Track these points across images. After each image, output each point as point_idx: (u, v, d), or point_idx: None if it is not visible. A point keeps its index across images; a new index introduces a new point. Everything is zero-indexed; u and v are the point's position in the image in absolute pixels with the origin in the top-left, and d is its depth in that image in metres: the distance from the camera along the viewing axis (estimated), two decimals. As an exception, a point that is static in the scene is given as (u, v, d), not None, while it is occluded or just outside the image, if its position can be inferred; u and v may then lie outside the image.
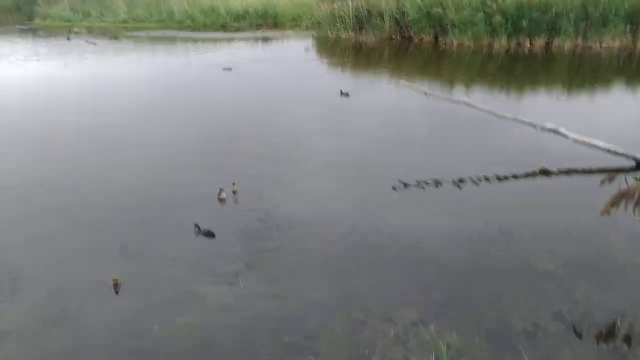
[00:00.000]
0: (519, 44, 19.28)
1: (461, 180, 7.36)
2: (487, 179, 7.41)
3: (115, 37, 24.38)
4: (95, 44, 22.08)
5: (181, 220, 6.22)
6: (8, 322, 4.57)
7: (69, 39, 24.24)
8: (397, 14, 21.67)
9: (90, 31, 27.81)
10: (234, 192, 6.90)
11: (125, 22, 31.09)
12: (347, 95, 12.22)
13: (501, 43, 19.31)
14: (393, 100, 12.52)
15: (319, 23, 24.96)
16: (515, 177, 7.52)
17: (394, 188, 7.15)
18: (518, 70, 16.55)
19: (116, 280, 5.00)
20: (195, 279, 5.14)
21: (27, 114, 11.35)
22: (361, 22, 22.81)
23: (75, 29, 27.47)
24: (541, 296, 4.84)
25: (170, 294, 4.92)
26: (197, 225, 5.93)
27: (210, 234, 5.87)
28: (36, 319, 4.61)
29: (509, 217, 6.43)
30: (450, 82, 14.31)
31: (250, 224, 6.16)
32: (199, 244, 5.78)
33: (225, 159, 8.30)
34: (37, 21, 33.50)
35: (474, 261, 5.47)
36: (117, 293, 4.92)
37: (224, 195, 6.78)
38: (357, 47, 21.54)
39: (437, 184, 7.30)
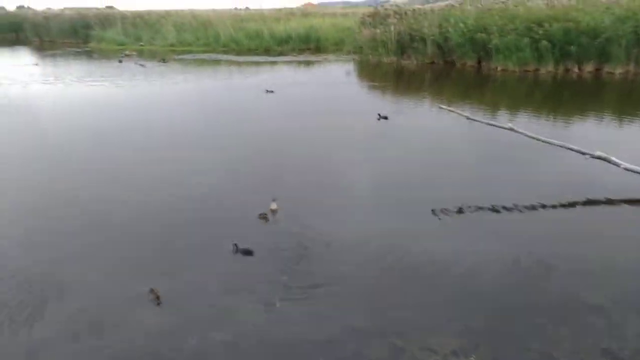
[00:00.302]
0: (567, 70, 18.84)
1: (504, 207, 7.14)
2: (542, 206, 7.16)
3: (164, 60, 25.31)
4: (144, 66, 22.95)
5: (220, 237, 6.25)
6: (45, 332, 4.65)
7: (120, 61, 25.31)
8: (439, 38, 21.65)
9: (141, 54, 28.99)
10: (273, 211, 6.91)
11: (173, 45, 32.33)
12: (385, 118, 12.19)
13: (547, 68, 18.93)
14: (433, 124, 12.38)
15: (361, 47, 25.22)
16: (562, 205, 7.25)
17: (433, 213, 7.01)
18: (565, 96, 16.14)
19: (156, 291, 5.08)
20: (232, 297, 5.12)
21: (75, 132, 11.81)
22: (403, 46, 22.92)
23: (127, 52, 28.70)
24: (588, 331, 4.57)
25: (207, 310, 4.92)
26: (235, 244, 5.95)
27: (248, 252, 5.87)
28: (74, 329, 4.68)
29: (554, 246, 6.16)
30: (494, 107, 14.06)
31: (288, 244, 6.13)
32: (237, 262, 5.78)
33: (264, 179, 8.35)
34: (92, 44, 35.24)
35: (515, 291, 5.25)
36: (158, 303, 4.99)
37: (267, 214, 6.81)
38: (399, 71, 21.58)
39: (478, 209, 7.11)
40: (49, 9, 50.06)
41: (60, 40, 39.07)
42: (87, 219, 6.90)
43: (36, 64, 24.81)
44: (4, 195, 7.79)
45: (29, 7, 59.83)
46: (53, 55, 29.63)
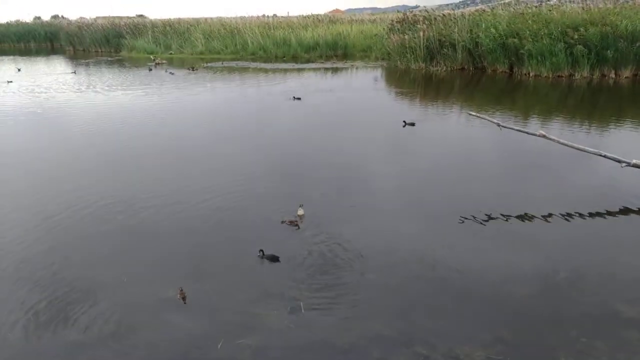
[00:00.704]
0: (603, 75, 18.27)
1: (536, 216, 6.87)
2: (575, 215, 6.87)
3: (193, 68, 25.61)
4: (173, 74, 23.26)
5: (245, 243, 6.19)
6: (76, 334, 4.65)
7: (150, 69, 25.74)
8: (469, 44, 21.29)
9: (170, 62, 29.43)
10: (300, 217, 6.83)
11: (202, 53, 32.77)
12: (412, 124, 11.99)
13: (583, 74, 18.38)
14: (462, 131, 12.13)
15: (389, 54, 25.03)
16: (597, 214, 6.93)
17: (461, 220, 6.78)
18: (601, 102, 15.63)
19: (182, 292, 5.12)
20: (258, 302, 5.04)
21: (106, 138, 11.96)
22: (432, 52, 22.63)
23: (157, 60, 29.15)
24: (625, 345, 4.34)
25: (233, 315, 4.86)
26: (261, 250, 5.87)
27: (274, 258, 5.79)
28: (102, 331, 4.67)
29: (588, 257, 5.90)
30: (526, 114, 13.70)
31: (314, 250, 6.03)
32: (264, 268, 5.71)
33: (290, 185, 8.28)
34: (123, 53, 36.03)
35: (547, 301, 5.02)
36: (184, 302, 5.04)
37: (297, 221, 6.74)
38: (427, 77, 21.32)
39: (508, 218, 6.85)
40: (82, 18, 51.35)
41: (93, 49, 40.06)
42: (115, 223, 6.93)
43: (74, 72, 25.46)
44: (35, 200, 7.88)
45: (63, 17, 61.71)
46: (86, 64, 30.36)
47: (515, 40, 19.39)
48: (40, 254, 6.09)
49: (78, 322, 4.80)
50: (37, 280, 5.49)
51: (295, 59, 29.64)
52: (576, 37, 17.87)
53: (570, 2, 21.63)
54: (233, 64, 27.91)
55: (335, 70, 24.89)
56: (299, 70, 25.01)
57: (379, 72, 23.60)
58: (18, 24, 52.11)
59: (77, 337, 4.58)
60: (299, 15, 40.11)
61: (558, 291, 5.18)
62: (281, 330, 4.61)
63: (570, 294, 5.11)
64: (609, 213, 6.95)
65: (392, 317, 4.79)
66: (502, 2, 25.20)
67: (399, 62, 23.95)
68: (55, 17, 62.69)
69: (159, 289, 5.29)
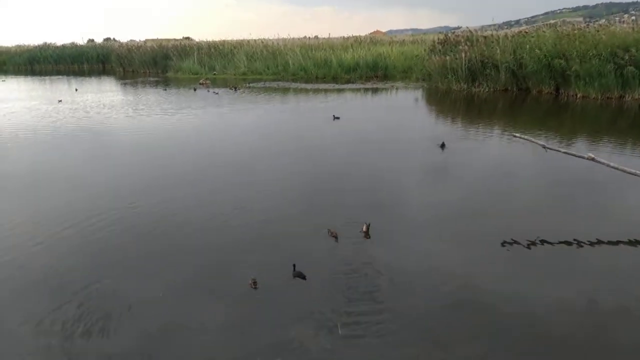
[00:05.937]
0: (656, 97, 17.58)
1: (584, 242, 6.55)
2: (625, 242, 6.52)
3: (235, 88, 26.17)
4: (217, 94, 23.81)
5: (281, 261, 6.11)
6: (114, 348, 4.68)
7: (194, 89, 26.45)
8: (513, 65, 20.92)
9: (214, 82, 30.16)
10: (367, 229, 6.90)
11: (244, 74, 33.49)
12: (443, 146, 11.83)
13: (634, 96, 17.73)
14: (505, 153, 11.83)
15: (430, 75, 24.85)
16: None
17: (503, 245, 6.54)
18: (654, 124, 14.98)
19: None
20: (295, 323, 4.96)
21: (148, 154, 12.28)
22: (474, 73, 22.34)
23: (201, 81, 29.95)
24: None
25: (269, 336, 4.78)
26: (294, 265, 5.84)
27: (301, 276, 5.73)
28: (130, 347, 4.68)
29: (638, 287, 5.55)
30: (573, 137, 13.25)
31: (351, 272, 5.92)
32: (299, 287, 5.62)
33: (327, 203, 8.22)
34: (170, 74, 37.24)
35: (594, 335, 4.74)
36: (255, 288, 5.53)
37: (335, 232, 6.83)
38: (469, 98, 21.01)
39: (554, 244, 6.55)
40: (132, 41, 53.71)
41: (142, 70, 41.69)
42: (150, 238, 7.04)
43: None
44: (75, 216, 8.08)
45: (114, 39, 64.63)
46: (134, 84, 31.48)
47: (562, 61, 18.93)
48: (73, 265, 6.22)
49: (118, 336, 4.82)
50: (71, 291, 5.56)
51: (335, 79, 29.86)
52: (627, 57, 17.28)
53: (620, 22, 21.00)
54: (274, 84, 28.37)
55: (375, 90, 24.90)
56: (339, 90, 25.14)
57: (419, 93, 23.45)
58: (72, 46, 54.74)
59: (108, 351, 4.60)
60: (340, 37, 40.55)
61: (606, 324, 4.89)
62: (319, 352, 4.50)
63: (619, 327, 4.81)
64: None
65: (431, 343, 4.62)
66: (547, 22, 24.73)
67: (440, 83, 23.75)
68: (107, 39, 65.64)
69: (190, 306, 5.29)
